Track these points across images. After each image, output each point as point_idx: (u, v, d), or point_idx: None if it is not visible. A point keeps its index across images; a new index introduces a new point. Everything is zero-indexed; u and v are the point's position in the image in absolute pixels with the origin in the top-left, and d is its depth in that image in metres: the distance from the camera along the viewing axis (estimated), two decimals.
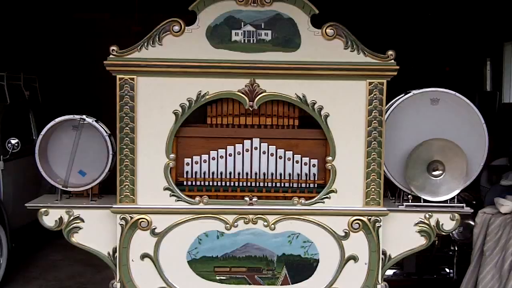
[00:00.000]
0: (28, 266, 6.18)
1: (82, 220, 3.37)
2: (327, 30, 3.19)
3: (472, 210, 3.45)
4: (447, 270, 4.81)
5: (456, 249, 4.71)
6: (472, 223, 4.36)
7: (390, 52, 3.21)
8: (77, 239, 3.39)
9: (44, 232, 6.67)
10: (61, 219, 3.36)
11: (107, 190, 3.55)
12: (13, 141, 5.80)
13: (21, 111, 6.77)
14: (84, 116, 3.39)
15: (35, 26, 9.69)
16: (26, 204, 3.43)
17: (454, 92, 3.42)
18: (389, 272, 4.75)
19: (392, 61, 3.21)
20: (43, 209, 3.37)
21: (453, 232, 4.72)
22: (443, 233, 3.43)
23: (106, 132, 3.39)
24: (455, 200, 3.40)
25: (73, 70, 10.59)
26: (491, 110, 7.92)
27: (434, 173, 3.36)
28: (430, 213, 3.38)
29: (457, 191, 3.35)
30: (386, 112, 3.34)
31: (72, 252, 6.35)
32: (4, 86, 6.58)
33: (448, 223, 3.39)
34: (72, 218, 3.36)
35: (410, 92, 3.42)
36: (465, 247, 4.54)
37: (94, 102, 9.23)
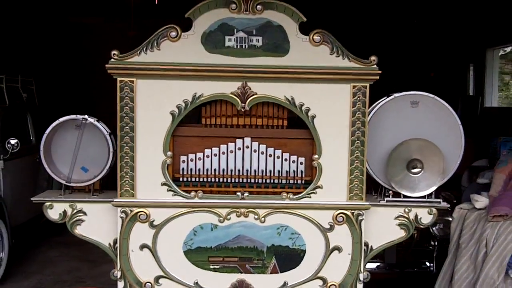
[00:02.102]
0: (27, 262, 6.35)
1: (85, 213, 3.55)
2: (314, 37, 3.39)
3: (448, 205, 3.67)
4: (427, 264, 5.05)
5: (436, 244, 4.94)
6: (451, 220, 4.58)
7: (373, 58, 3.41)
8: (80, 231, 3.56)
9: (41, 229, 6.91)
10: (65, 212, 3.54)
11: (107, 186, 3.73)
12: (12, 141, 5.98)
13: (19, 113, 6.94)
14: (86, 116, 3.58)
15: (31, 29, 9.84)
16: (32, 198, 3.59)
17: (433, 96, 3.61)
18: (373, 265, 4.99)
19: (375, 66, 3.40)
20: (48, 203, 3.54)
21: (433, 228, 4.98)
22: (421, 226, 3.62)
23: (107, 131, 3.57)
24: (433, 195, 3.62)
25: (68, 73, 10.74)
26: (474, 114, 8.17)
27: (413, 170, 3.57)
28: (409, 208, 3.58)
29: (434, 187, 3.56)
30: (369, 113, 3.56)
31: (68, 249, 6.59)
32: (3, 89, 6.76)
33: (426, 217, 3.59)
34: (75, 211, 3.54)
35: (392, 95, 3.63)
36: (445, 243, 4.76)
37: (88, 103, 9.39)
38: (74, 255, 6.45)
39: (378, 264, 5.07)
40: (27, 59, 9.51)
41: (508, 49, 11.13)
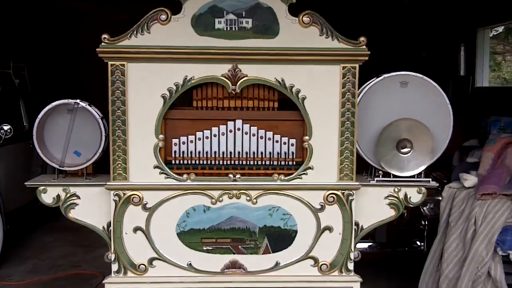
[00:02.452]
0: (22, 247, 6.38)
1: (78, 197, 3.57)
2: (303, 18, 3.40)
3: (437, 185, 3.72)
4: (418, 243, 5.12)
5: (426, 223, 5.00)
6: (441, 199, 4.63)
7: (362, 39, 3.43)
8: (73, 214, 3.59)
9: (36, 215, 6.94)
10: (58, 196, 3.57)
11: (100, 170, 3.75)
12: (5, 127, 5.97)
13: (11, 99, 6.94)
14: (78, 101, 3.59)
15: (23, 15, 9.80)
16: (26, 183, 3.62)
17: (421, 76, 3.63)
18: (364, 245, 5.05)
19: (364, 46, 3.42)
20: (42, 187, 3.57)
21: (424, 208, 5.03)
22: (411, 205, 3.68)
23: (99, 115, 3.58)
24: (422, 175, 3.67)
25: (61, 58, 10.71)
26: (465, 94, 8.20)
27: (403, 150, 3.60)
28: (398, 187, 3.62)
29: (423, 167, 3.60)
30: (359, 94, 3.59)
31: (63, 234, 6.63)
32: None
33: (415, 196, 3.64)
34: (69, 195, 3.57)
35: (381, 76, 3.66)
36: (435, 222, 4.81)
37: (80, 88, 9.39)
38: (69, 240, 6.48)
39: (370, 243, 5.13)
40: (19, 45, 9.48)
41: (500, 29, 11.17)
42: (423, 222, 5.08)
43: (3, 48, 8.74)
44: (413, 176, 3.64)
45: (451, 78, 8.71)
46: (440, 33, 9.72)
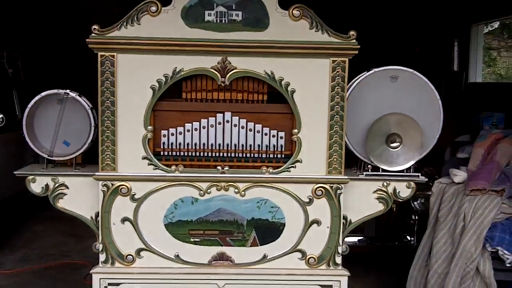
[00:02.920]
0: (13, 236, 6.39)
1: (67, 187, 3.58)
2: (293, 11, 3.40)
3: (427, 179, 3.73)
4: (408, 238, 5.14)
5: (416, 218, 5.01)
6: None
7: (352, 32, 3.42)
8: (62, 204, 3.59)
9: (27, 204, 6.94)
10: (47, 185, 3.57)
11: (89, 160, 3.75)
12: None
13: (4, 88, 6.93)
14: (68, 91, 3.59)
15: (16, 4, 9.76)
16: (15, 172, 3.62)
17: (412, 70, 3.63)
18: (354, 239, 5.06)
19: (354, 40, 3.42)
20: (31, 177, 3.57)
21: (414, 202, 5.04)
22: (400, 200, 3.68)
23: (89, 106, 3.58)
24: (412, 170, 3.68)
25: (55, 49, 10.67)
26: (458, 89, 8.21)
27: (392, 145, 3.60)
28: (387, 182, 3.62)
29: (412, 162, 3.61)
30: (349, 88, 3.59)
31: (54, 224, 6.63)
32: None
33: (404, 190, 3.64)
34: (57, 185, 3.58)
35: (371, 70, 3.66)
36: (426, 217, 4.80)
37: (74, 79, 9.35)
38: (61, 230, 6.49)
39: (360, 238, 5.14)
40: (13, 34, 9.44)
41: (495, 25, 11.17)
42: (413, 217, 5.09)
43: None
44: (402, 171, 3.64)
45: (444, 73, 8.72)
46: (434, 28, 9.72)
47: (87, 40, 3.38)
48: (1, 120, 5.97)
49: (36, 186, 3.59)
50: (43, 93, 3.59)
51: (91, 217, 3.60)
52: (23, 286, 5.03)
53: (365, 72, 3.68)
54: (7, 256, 5.76)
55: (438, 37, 9.68)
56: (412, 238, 5.06)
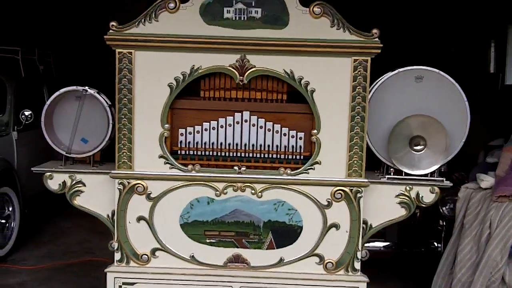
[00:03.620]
0: (39, 232, 6.45)
1: (84, 184, 3.57)
2: (314, 9, 3.31)
3: (451, 184, 3.60)
4: (436, 244, 4.98)
5: (444, 224, 4.86)
6: None
7: (374, 31, 3.31)
8: (79, 201, 3.59)
9: (55, 200, 6.99)
10: (64, 183, 3.57)
11: (108, 158, 3.72)
12: (26, 113, 6.04)
13: (35, 84, 7.00)
14: (86, 88, 3.58)
15: (49, 1, 9.88)
16: (32, 168, 3.65)
17: (437, 70, 3.51)
18: (380, 244, 4.93)
19: (377, 39, 3.32)
20: (48, 173, 3.58)
21: (443, 208, 4.89)
22: (423, 205, 3.57)
23: (107, 103, 3.56)
24: (436, 174, 3.55)
25: (86, 46, 10.78)
26: (494, 91, 7.98)
27: (416, 148, 3.50)
28: (410, 186, 3.50)
29: (437, 166, 3.48)
30: (372, 88, 3.48)
31: (81, 220, 6.64)
32: (19, 61, 6.82)
33: (427, 195, 3.51)
34: (74, 182, 3.56)
35: (396, 70, 3.56)
36: (454, 223, 4.69)
37: (104, 76, 9.41)
38: (86, 227, 6.51)
39: (386, 243, 5.01)
40: (45, 32, 9.57)
41: None
42: (441, 223, 4.93)
43: (29, 35, 8.83)
44: (426, 175, 3.52)
45: (480, 75, 8.52)
46: (470, 28, 9.51)
47: (104, 36, 3.35)
48: (29, 116, 6.01)
49: (53, 183, 3.58)
50: (62, 90, 3.58)
51: (108, 215, 3.58)
52: (44, 283, 5.05)
53: (389, 72, 3.57)
54: (32, 252, 5.81)
55: (474, 38, 9.47)
56: (439, 244, 4.91)
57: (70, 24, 10.41)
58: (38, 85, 7.07)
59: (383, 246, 4.95)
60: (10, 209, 5.80)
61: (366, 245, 3.61)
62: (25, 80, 6.73)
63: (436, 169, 3.52)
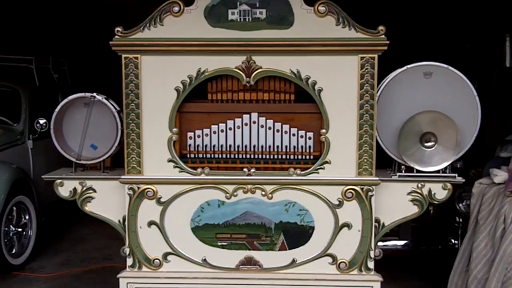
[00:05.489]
0: (57, 240, 6.46)
1: (94, 191, 3.58)
2: (319, 8, 3.30)
3: (464, 180, 3.55)
4: (453, 241, 4.92)
5: (461, 221, 4.80)
6: None
7: (380, 28, 3.30)
8: (90, 208, 3.60)
9: (74, 208, 7.02)
10: (75, 189, 3.58)
11: (120, 163, 3.72)
12: (41, 121, 6.06)
13: (49, 93, 7.04)
14: (94, 94, 3.59)
15: (64, 10, 9.95)
16: (43, 176, 3.67)
17: (447, 66, 3.49)
18: (399, 242, 4.87)
19: (383, 36, 3.30)
20: (58, 181, 3.59)
21: (460, 204, 4.82)
22: (436, 202, 3.51)
23: (116, 109, 3.58)
24: (448, 170, 3.51)
25: (101, 53, 10.84)
26: (510, 86, 7.87)
27: (427, 144, 3.46)
28: (422, 183, 3.47)
29: (448, 162, 3.45)
30: (381, 85, 3.46)
31: (99, 227, 6.62)
32: (33, 69, 6.87)
33: (440, 192, 3.48)
34: (85, 188, 3.58)
35: (404, 67, 3.52)
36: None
37: (118, 82, 9.46)
38: (105, 233, 6.49)
39: (404, 242, 4.95)
40: (60, 40, 9.64)
41: None
42: (457, 219, 4.87)
43: (43, 44, 8.90)
44: (438, 172, 3.48)
45: (495, 69, 8.40)
46: (485, 23, 9.40)
47: (110, 42, 3.37)
48: (44, 124, 6.04)
49: (64, 190, 3.61)
50: (70, 97, 3.59)
51: (119, 221, 3.59)
52: None
53: (398, 69, 3.54)
54: (50, 259, 5.82)
55: (489, 32, 9.35)
56: (457, 241, 4.84)
57: (84, 32, 10.46)
58: (53, 93, 7.10)
59: (403, 245, 4.89)
60: (27, 217, 5.83)
61: (382, 244, 3.57)
62: (40, 89, 6.77)
63: (448, 165, 3.49)
